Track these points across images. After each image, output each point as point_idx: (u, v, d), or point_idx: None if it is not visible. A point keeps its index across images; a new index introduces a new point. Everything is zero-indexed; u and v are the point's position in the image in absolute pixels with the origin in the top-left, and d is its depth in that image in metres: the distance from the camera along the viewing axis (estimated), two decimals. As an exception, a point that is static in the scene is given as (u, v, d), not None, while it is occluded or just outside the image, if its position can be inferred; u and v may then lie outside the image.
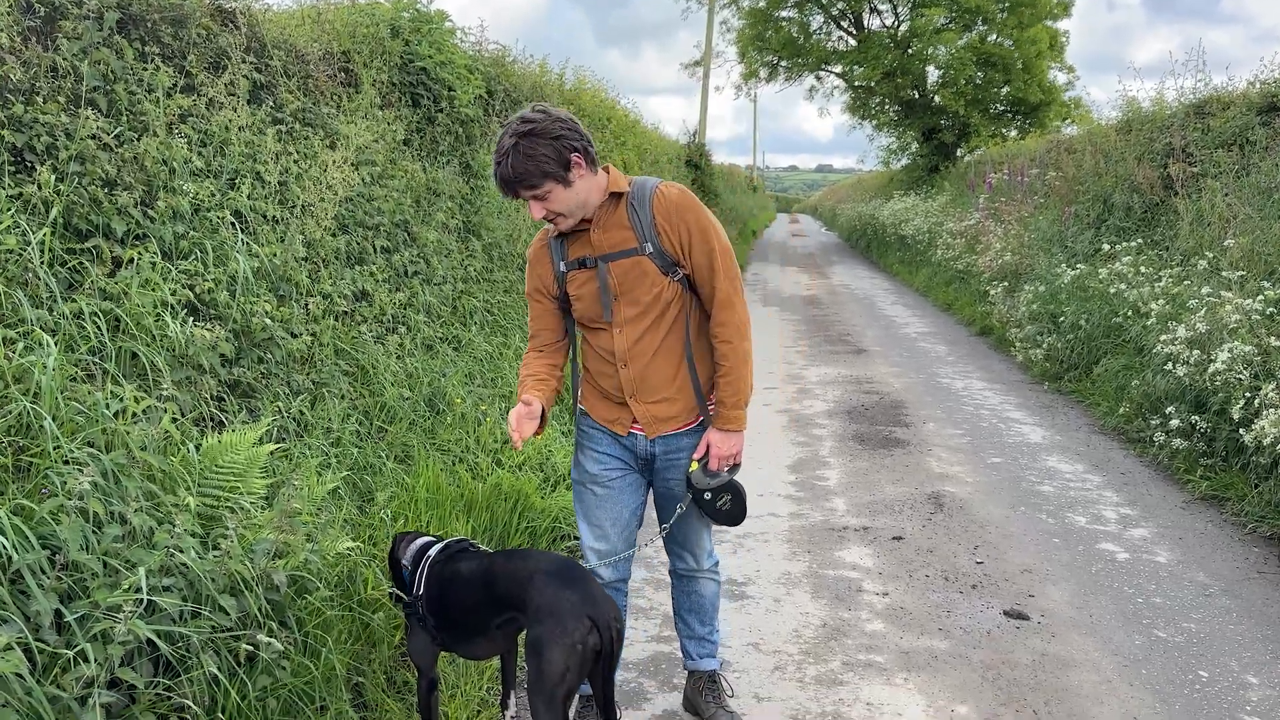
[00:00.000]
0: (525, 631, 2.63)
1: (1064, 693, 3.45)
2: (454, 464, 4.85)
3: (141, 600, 2.36)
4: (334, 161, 5.13)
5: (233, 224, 4.18)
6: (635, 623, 4.00)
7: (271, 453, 3.32)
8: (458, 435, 5.08)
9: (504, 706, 3.09)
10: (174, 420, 3.34)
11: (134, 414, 2.91)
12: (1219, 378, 5.63)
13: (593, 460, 2.99)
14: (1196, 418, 5.97)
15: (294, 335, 4.57)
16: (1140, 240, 8.83)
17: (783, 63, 29.24)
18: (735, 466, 2.93)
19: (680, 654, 3.43)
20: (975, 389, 8.65)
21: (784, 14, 28.32)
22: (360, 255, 5.60)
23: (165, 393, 2.99)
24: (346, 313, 5.27)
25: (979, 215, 14.55)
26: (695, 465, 2.91)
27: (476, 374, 5.85)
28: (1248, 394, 5.34)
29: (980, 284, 12.41)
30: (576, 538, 4.76)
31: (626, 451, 2.96)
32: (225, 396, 3.88)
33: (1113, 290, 8.18)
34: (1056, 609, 4.14)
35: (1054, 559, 4.69)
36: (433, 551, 2.96)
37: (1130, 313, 7.81)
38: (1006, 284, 11.07)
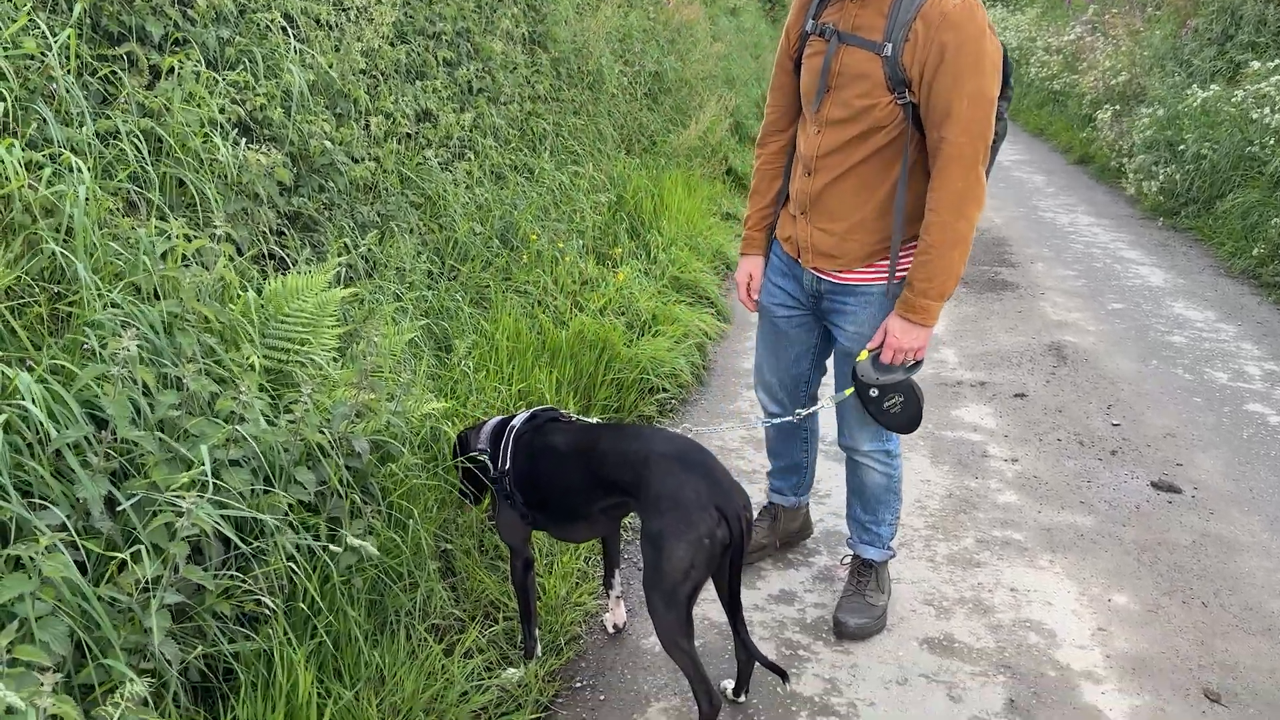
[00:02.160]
0: (640, 521, 2.26)
1: (1235, 581, 3.05)
2: (533, 307, 4.42)
3: (206, 482, 2.00)
4: (391, -43, 4.46)
5: (283, 29, 3.62)
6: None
7: (344, 298, 2.90)
8: (535, 275, 4.62)
9: (608, 586, 2.78)
10: (230, 260, 2.92)
11: (184, 255, 2.48)
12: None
13: (766, 287, 2.78)
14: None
15: (356, 160, 4.08)
16: (1283, 59, 7.83)
17: None
18: (915, 364, 2.46)
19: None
20: (1082, 224, 7.94)
21: None
22: (421, 69, 5.00)
23: (219, 230, 2.55)
24: (410, 135, 4.74)
25: (1079, 29, 13.24)
26: (865, 355, 2.47)
27: (550, 208, 5.34)
28: None
29: (1081, 107, 11.38)
30: (665, 389, 4.37)
31: (795, 284, 2.68)
32: (285, 230, 3.44)
33: (1252, 116, 7.29)
34: (1210, 481, 3.70)
35: (1198, 422, 4.21)
36: (517, 422, 2.56)
37: (1272, 141, 6.96)
38: (1116, 108, 10.07)
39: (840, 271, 2.52)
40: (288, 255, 3.38)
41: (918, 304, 2.35)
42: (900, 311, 2.39)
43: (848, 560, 3.02)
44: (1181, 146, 8.02)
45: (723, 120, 8.98)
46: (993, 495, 3.58)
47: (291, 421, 2.30)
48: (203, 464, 1.97)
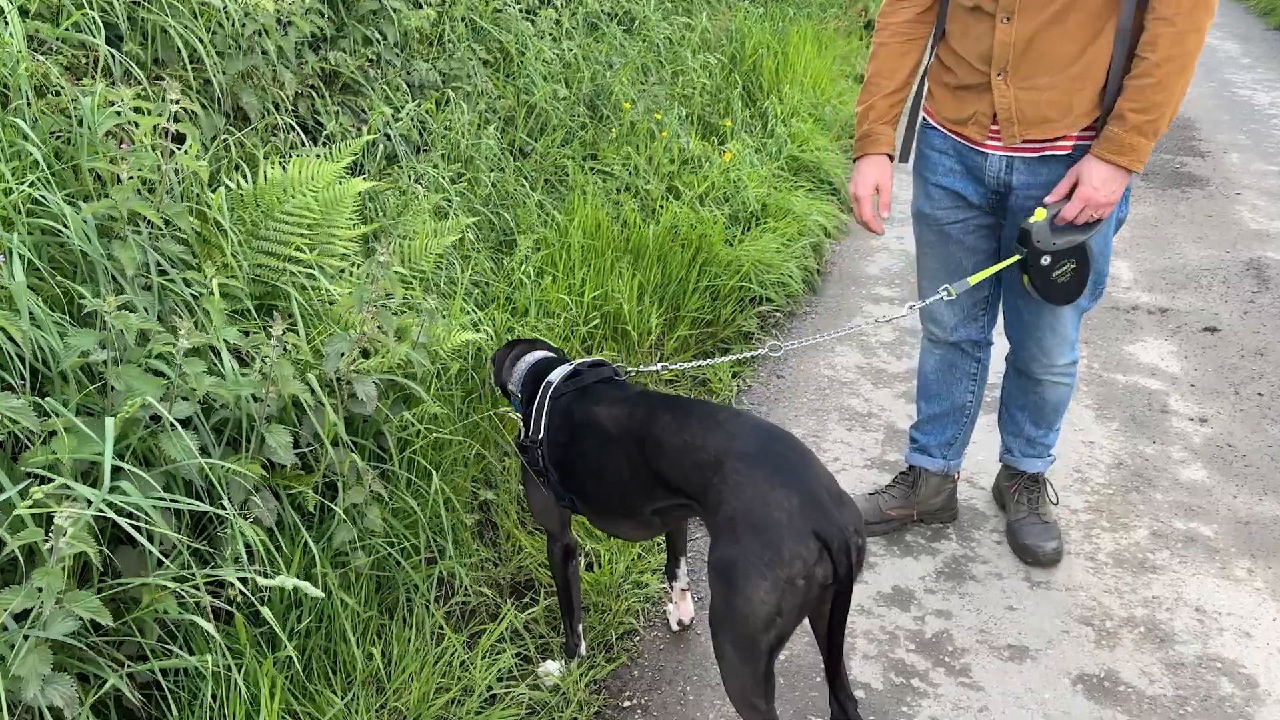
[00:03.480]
0: (710, 539, 1.65)
1: None
2: (618, 193, 3.75)
3: (119, 467, 1.48)
4: None
5: None
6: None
7: (365, 191, 2.29)
8: (624, 153, 3.92)
9: (671, 578, 2.21)
10: (227, 136, 2.34)
11: (150, 130, 1.90)
12: None
13: (925, 193, 2.27)
14: None
15: (416, 4, 3.41)
16: None
17: None
18: (1095, 223, 2.03)
19: (1001, 445, 2.59)
20: (1288, 106, 6.67)
21: None
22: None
23: (176, 104, 1.92)
24: (487, -26, 4.02)
25: None
26: (1042, 214, 2.02)
27: (652, 67, 4.56)
28: None
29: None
30: (770, 300, 3.69)
31: (972, 182, 2.17)
32: (316, 93, 2.83)
33: None
34: None
35: None
36: (555, 377, 1.96)
37: None
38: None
39: (1053, 139, 2.02)
40: (315, 127, 2.78)
41: (1128, 142, 1.92)
42: (1104, 153, 1.94)
43: (932, 473, 2.54)
44: None
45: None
46: (1174, 469, 2.84)
47: (264, 365, 1.75)
48: (101, 443, 1.44)
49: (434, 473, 2.12)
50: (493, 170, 3.31)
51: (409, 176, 2.86)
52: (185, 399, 1.67)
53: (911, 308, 2.25)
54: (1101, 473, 2.81)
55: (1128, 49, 1.92)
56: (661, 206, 3.74)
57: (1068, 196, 2.00)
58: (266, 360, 1.77)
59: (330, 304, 2.12)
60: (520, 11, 3.93)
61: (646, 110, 4.15)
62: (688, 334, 3.40)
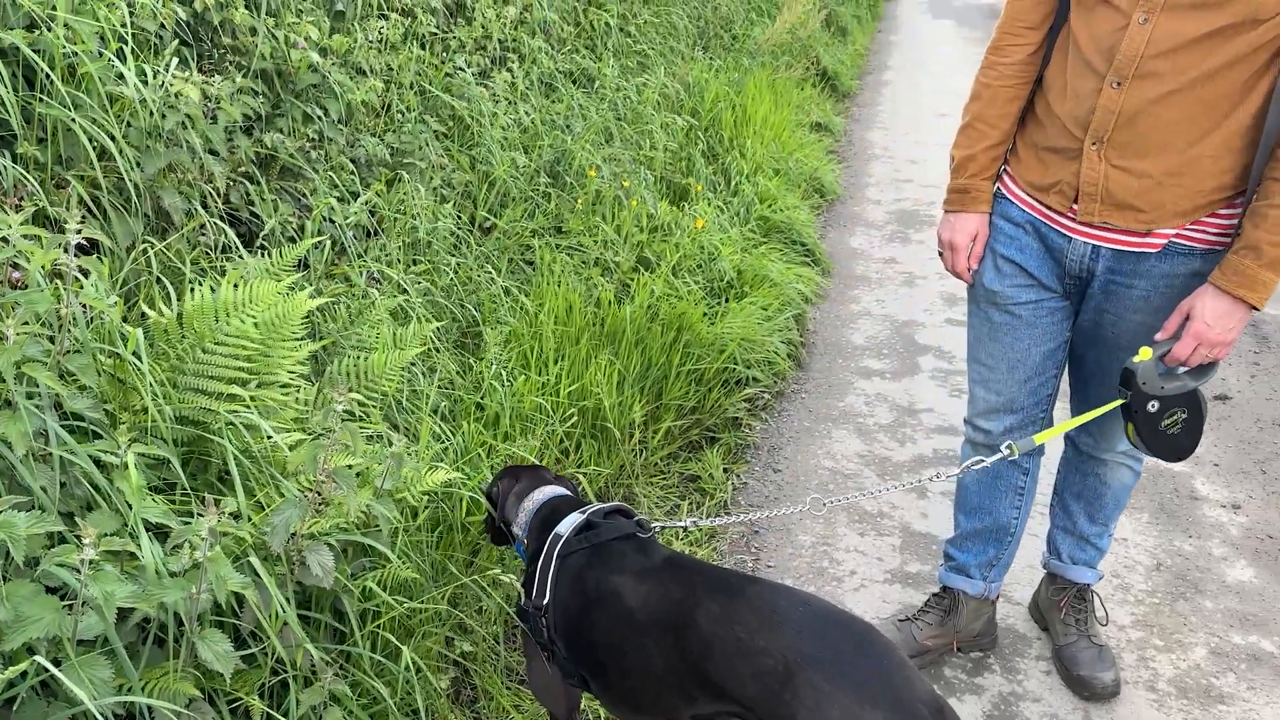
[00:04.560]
0: None
1: None
2: (588, 268, 3.44)
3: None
4: None
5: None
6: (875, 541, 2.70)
7: (314, 309, 1.95)
8: (592, 224, 3.63)
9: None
10: (143, 254, 1.99)
11: (47, 264, 1.54)
12: None
13: (995, 268, 1.98)
14: None
15: (361, 72, 3.09)
16: None
17: None
18: (1211, 365, 1.78)
19: (1045, 547, 2.34)
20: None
21: None
22: (453, -52, 3.93)
23: (76, 234, 1.54)
24: (436, 36, 3.71)
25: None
26: (1148, 353, 1.77)
27: (613, 129, 4.28)
28: None
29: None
30: (756, 379, 3.41)
31: (1048, 262, 1.92)
32: (252, 179, 2.48)
33: None
34: None
35: None
36: (564, 528, 1.64)
37: None
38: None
39: (1138, 233, 1.78)
40: (251, 219, 2.44)
41: (1260, 277, 1.66)
42: (1229, 286, 1.68)
43: (968, 596, 2.26)
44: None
45: (815, 10, 7.69)
46: (1219, 568, 2.60)
47: (177, 563, 1.39)
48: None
49: (404, 648, 1.77)
50: (452, 254, 2.98)
51: (360, 272, 2.52)
52: (95, 608, 1.31)
53: (941, 477, 1.99)
54: (1143, 577, 2.56)
55: (1243, 174, 1.69)
56: (636, 280, 3.44)
57: (1177, 335, 1.74)
58: (196, 550, 1.41)
59: (274, 450, 1.77)
60: (473, 75, 3.62)
61: (613, 175, 3.86)
62: (673, 424, 3.10)
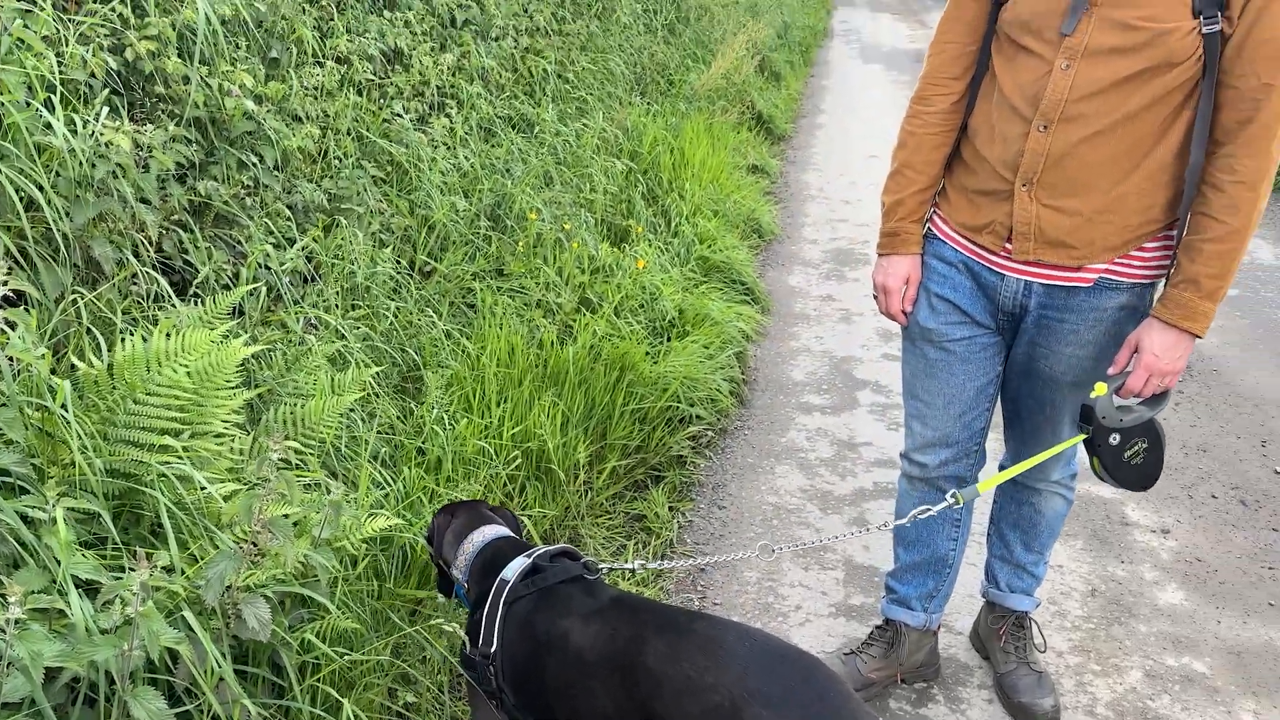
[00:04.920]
0: None
1: None
2: (530, 310, 3.45)
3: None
4: None
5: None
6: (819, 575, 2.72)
7: (249, 356, 1.93)
8: (533, 266, 3.64)
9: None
10: (74, 302, 1.96)
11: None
12: None
13: (929, 306, 2.03)
14: None
15: (297, 119, 3.08)
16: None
17: None
18: (1162, 395, 1.85)
19: (983, 576, 2.38)
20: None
21: None
22: (389, -4, 3.96)
23: (6, 283, 1.53)
24: (374, 82, 3.72)
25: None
26: (1103, 388, 1.83)
27: (553, 173, 4.32)
28: None
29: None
30: (700, 418, 3.43)
31: (981, 299, 1.98)
32: (184, 227, 2.45)
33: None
34: None
35: (1384, 467, 3.29)
36: (510, 573, 1.63)
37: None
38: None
39: (1070, 268, 1.84)
40: (184, 268, 2.41)
41: (1200, 308, 1.75)
42: (1171, 318, 1.76)
43: (916, 631, 2.29)
44: None
45: (749, 56, 7.87)
46: (1150, 592, 2.67)
47: (110, 618, 1.36)
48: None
49: (345, 701, 1.73)
50: (392, 299, 2.97)
51: (297, 318, 2.50)
52: (21, 669, 1.27)
53: (888, 526, 2.10)
54: (1078, 603, 2.61)
55: (1172, 209, 1.78)
56: (578, 320, 3.46)
57: (1127, 368, 1.82)
58: (128, 605, 1.38)
59: (208, 501, 1.74)
60: (411, 121, 3.64)
61: (554, 218, 3.89)
62: (618, 464, 3.11)
